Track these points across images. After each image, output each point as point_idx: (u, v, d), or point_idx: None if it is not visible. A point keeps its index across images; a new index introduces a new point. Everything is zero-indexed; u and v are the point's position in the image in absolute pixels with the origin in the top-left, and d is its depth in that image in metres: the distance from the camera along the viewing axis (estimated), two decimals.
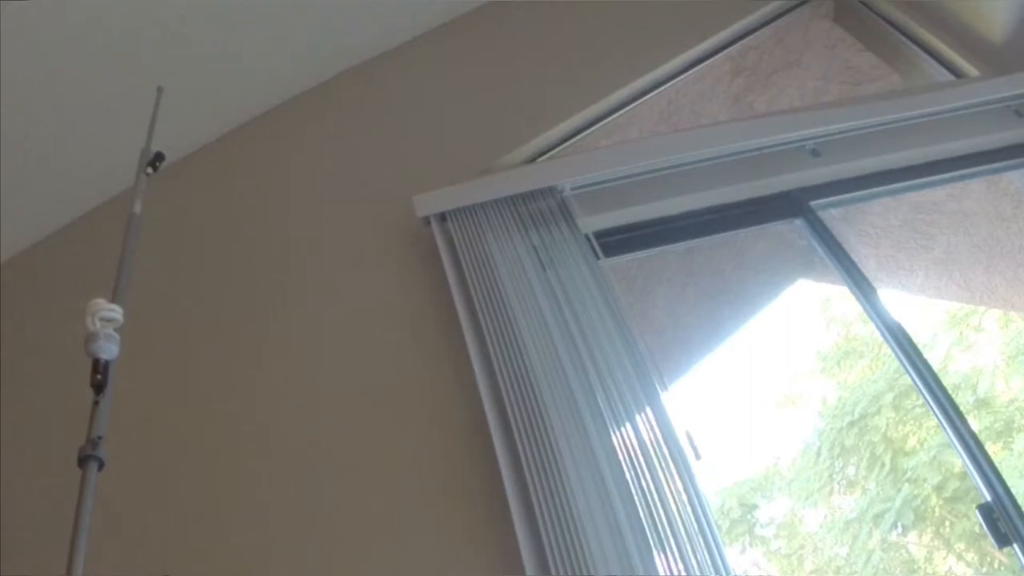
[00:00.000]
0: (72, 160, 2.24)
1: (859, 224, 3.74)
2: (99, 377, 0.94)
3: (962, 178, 2.43)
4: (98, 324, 0.94)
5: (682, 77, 2.57)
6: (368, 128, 2.46)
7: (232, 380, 1.99)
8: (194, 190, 2.32)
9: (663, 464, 1.63)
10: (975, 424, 6.93)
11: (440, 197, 2.10)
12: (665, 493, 1.59)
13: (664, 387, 1.76)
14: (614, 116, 2.49)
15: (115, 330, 0.95)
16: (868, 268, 3.77)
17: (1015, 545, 1.70)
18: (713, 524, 1.56)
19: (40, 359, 2.04)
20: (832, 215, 2.29)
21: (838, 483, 8.00)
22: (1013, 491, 1.76)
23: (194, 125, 2.34)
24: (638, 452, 1.65)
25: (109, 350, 0.95)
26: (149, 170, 1.18)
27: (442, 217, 2.09)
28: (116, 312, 0.95)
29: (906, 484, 7.06)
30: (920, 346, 2.04)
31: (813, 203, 2.24)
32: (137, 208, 1.13)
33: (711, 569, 1.50)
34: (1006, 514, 1.72)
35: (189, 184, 2.29)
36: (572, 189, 2.13)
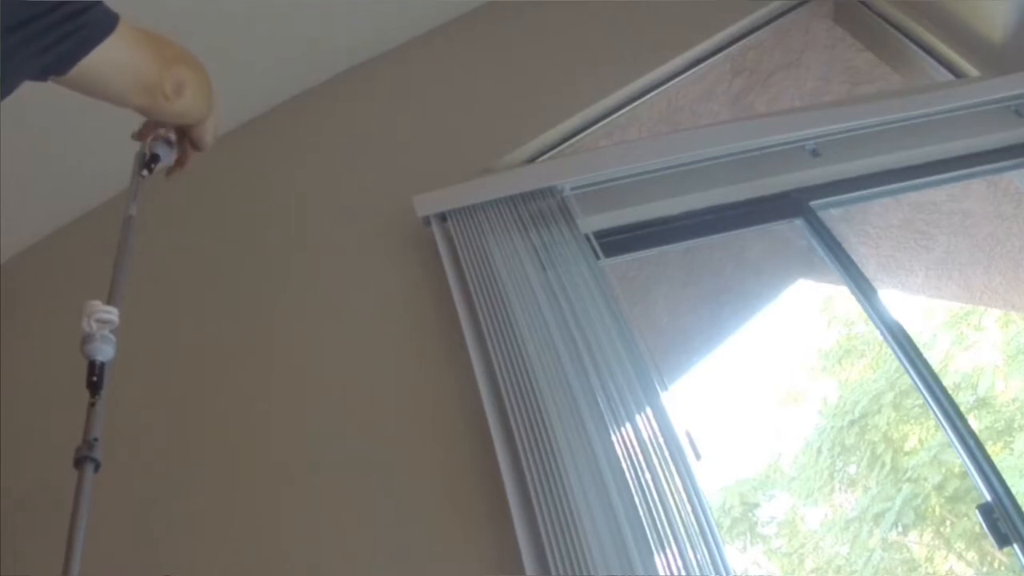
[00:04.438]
0: (72, 160, 2.24)
1: (859, 224, 3.74)
2: (95, 379, 0.94)
3: (962, 178, 2.42)
4: (94, 326, 0.93)
5: (682, 77, 2.57)
6: (368, 128, 2.46)
7: (231, 380, 1.99)
8: (192, 190, 2.31)
9: (663, 464, 1.63)
10: (975, 424, 6.93)
11: (440, 197, 2.10)
12: (665, 493, 1.59)
13: (664, 387, 1.76)
14: (614, 116, 2.49)
15: (111, 332, 0.95)
16: (868, 268, 3.78)
17: (1015, 545, 1.70)
18: (713, 524, 1.56)
19: (40, 359, 2.04)
20: (832, 215, 2.29)
21: (839, 482, 8.01)
22: (1013, 491, 1.76)
23: None
24: (638, 452, 1.65)
25: (105, 352, 0.94)
26: (145, 172, 1.17)
27: (442, 217, 2.09)
28: (112, 314, 0.95)
29: (906, 483, 7.07)
30: (920, 346, 2.04)
31: (813, 203, 2.24)
32: (133, 210, 1.12)
33: (711, 569, 1.50)
34: (1006, 514, 1.72)
35: (187, 184, 2.28)
36: (572, 189, 2.13)
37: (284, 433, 1.88)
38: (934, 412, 1.94)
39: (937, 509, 6.96)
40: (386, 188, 2.25)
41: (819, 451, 7.96)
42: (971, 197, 3.42)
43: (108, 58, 0.93)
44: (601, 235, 2.06)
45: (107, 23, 0.92)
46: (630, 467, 1.62)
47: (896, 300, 4.32)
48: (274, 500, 1.79)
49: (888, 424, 7.47)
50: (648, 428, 1.68)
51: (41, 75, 0.89)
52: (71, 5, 0.86)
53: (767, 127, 2.29)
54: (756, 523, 8.20)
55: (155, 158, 1.18)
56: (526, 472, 1.62)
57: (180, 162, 1.24)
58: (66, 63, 0.89)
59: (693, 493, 1.59)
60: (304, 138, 2.48)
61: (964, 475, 6.20)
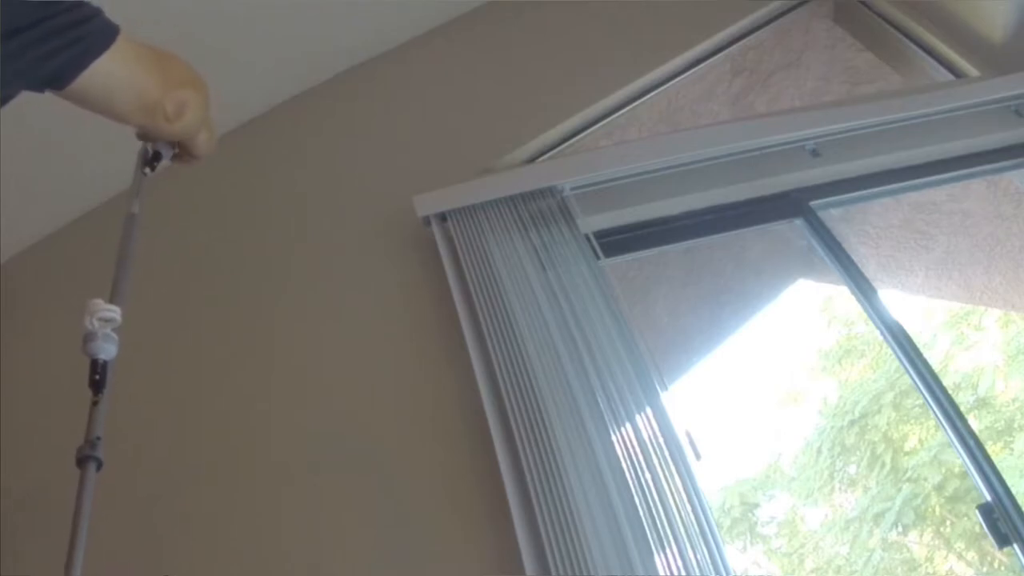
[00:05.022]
0: (72, 160, 2.24)
1: (859, 224, 3.74)
2: (97, 377, 0.94)
3: (962, 178, 2.42)
4: (96, 324, 0.93)
5: (682, 77, 2.57)
6: (368, 128, 2.46)
7: (231, 380, 1.99)
8: (193, 190, 2.32)
9: (663, 464, 1.63)
10: (975, 424, 6.93)
11: (440, 197, 2.10)
12: (665, 493, 1.59)
13: (664, 387, 1.76)
14: (614, 116, 2.49)
15: (113, 330, 0.95)
16: (868, 268, 3.78)
17: (1015, 545, 1.70)
18: (713, 524, 1.56)
19: (40, 359, 2.04)
20: (832, 215, 2.29)
21: (839, 482, 8.01)
22: (1013, 491, 1.76)
23: None
24: (638, 452, 1.65)
25: (107, 350, 0.94)
26: (147, 170, 1.17)
27: (442, 217, 2.09)
28: (114, 312, 0.94)
29: (906, 483, 7.07)
30: (920, 346, 2.04)
31: (813, 203, 2.24)
32: (135, 208, 1.12)
33: (711, 569, 1.50)
34: (1006, 514, 1.72)
35: (188, 184, 2.28)
36: (572, 189, 2.13)
37: (284, 433, 1.88)
38: (934, 412, 1.94)
39: (937, 509, 6.96)
40: (386, 188, 2.26)
41: (819, 451, 7.96)
42: (971, 197, 3.42)
43: (108, 72, 0.91)
44: (601, 235, 2.06)
45: (108, 35, 0.91)
46: (630, 467, 1.62)
47: (896, 300, 4.33)
48: (274, 500, 1.79)
49: (888, 424, 7.47)
50: (648, 428, 1.68)
51: (39, 86, 0.88)
52: (71, 14, 0.85)
53: (767, 127, 2.29)
54: (756, 523, 8.20)
55: (157, 156, 1.17)
56: (526, 472, 1.62)
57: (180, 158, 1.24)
58: (64, 76, 0.88)
59: (693, 493, 1.59)
60: (304, 138, 2.48)
61: (964, 475, 6.21)
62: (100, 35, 0.90)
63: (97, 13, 0.90)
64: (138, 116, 1.03)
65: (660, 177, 2.20)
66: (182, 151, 1.19)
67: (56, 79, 0.88)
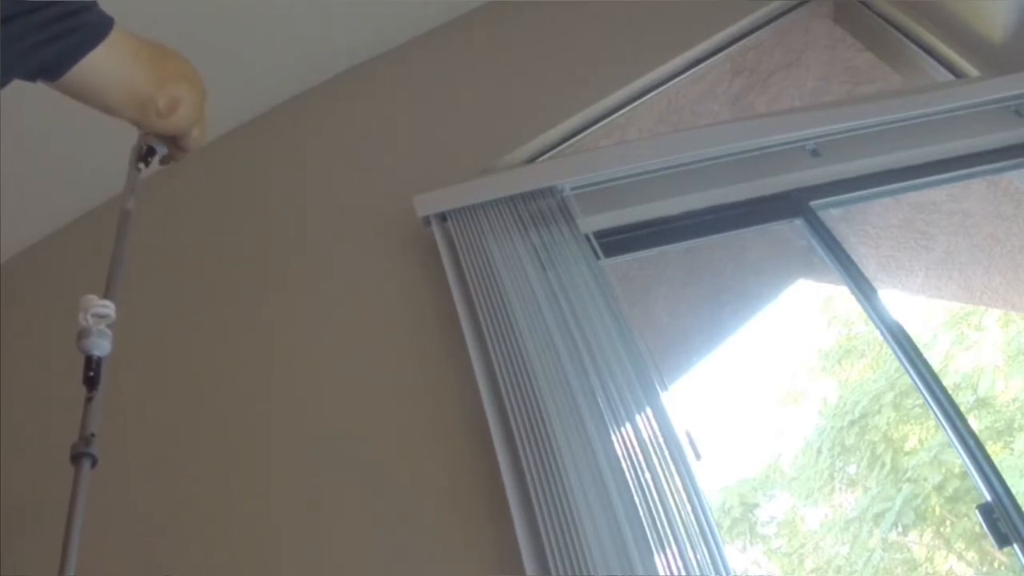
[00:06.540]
0: (72, 160, 2.24)
1: (859, 224, 3.74)
2: (91, 374, 0.93)
3: (962, 178, 2.42)
4: (90, 320, 0.92)
5: (682, 77, 2.57)
6: (368, 128, 2.46)
7: (230, 380, 1.99)
8: (193, 189, 2.32)
9: (663, 464, 1.63)
10: (975, 424, 6.93)
11: (440, 197, 2.10)
12: (665, 493, 1.59)
13: (664, 387, 1.75)
14: (614, 116, 2.49)
15: (107, 326, 0.94)
16: (868, 268, 3.78)
17: (1015, 545, 1.70)
18: (713, 524, 1.56)
19: (40, 359, 2.04)
20: (832, 215, 2.29)
21: (839, 482, 8.01)
22: (1013, 491, 1.76)
23: None
24: (638, 452, 1.65)
25: (101, 347, 0.93)
26: (141, 165, 1.16)
27: (442, 217, 2.09)
28: (109, 308, 0.94)
29: (906, 483, 7.07)
30: (920, 346, 2.04)
31: (813, 203, 2.24)
32: (130, 204, 1.11)
33: (711, 569, 1.50)
34: (1006, 514, 1.72)
35: (188, 183, 2.29)
36: (572, 189, 2.13)
37: (284, 433, 1.88)
38: (934, 412, 1.94)
39: (937, 509, 6.96)
40: (386, 188, 2.25)
41: (819, 451, 7.96)
42: (971, 197, 3.42)
43: (101, 65, 0.91)
44: (601, 235, 2.06)
45: (103, 26, 0.90)
46: (630, 467, 1.62)
47: (896, 300, 4.32)
48: (274, 500, 1.78)
49: (888, 424, 7.47)
50: (648, 428, 1.68)
51: (31, 76, 0.87)
52: (66, 4, 0.85)
53: (767, 127, 2.29)
54: (756, 523, 8.20)
55: (151, 151, 1.17)
56: (526, 472, 1.61)
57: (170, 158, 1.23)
58: (59, 67, 0.87)
59: (693, 493, 1.58)
60: (304, 138, 2.48)
61: (964, 475, 6.20)
62: (95, 27, 0.89)
63: (92, 4, 0.89)
64: (130, 110, 1.03)
65: (660, 177, 2.20)
66: (172, 145, 1.19)
67: (49, 69, 0.88)
